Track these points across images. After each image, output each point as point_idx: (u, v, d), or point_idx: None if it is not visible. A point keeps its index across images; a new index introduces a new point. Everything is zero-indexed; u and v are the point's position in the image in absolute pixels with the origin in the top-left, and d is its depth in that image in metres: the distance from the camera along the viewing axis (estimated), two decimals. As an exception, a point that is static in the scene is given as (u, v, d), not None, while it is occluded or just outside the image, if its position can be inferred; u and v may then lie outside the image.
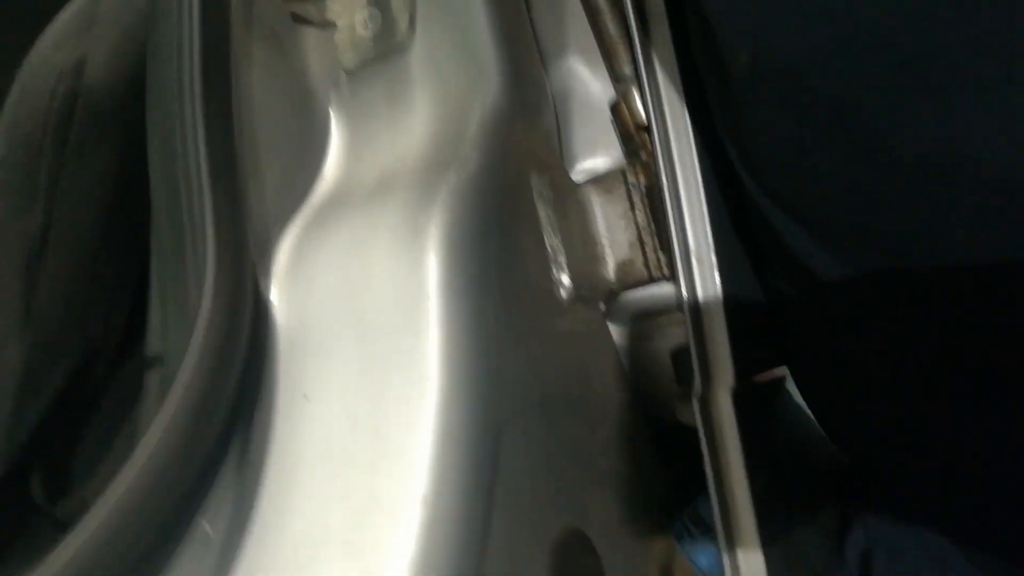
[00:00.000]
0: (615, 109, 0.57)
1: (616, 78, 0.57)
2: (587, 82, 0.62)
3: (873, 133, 0.33)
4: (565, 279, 0.51)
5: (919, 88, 0.31)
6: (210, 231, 0.42)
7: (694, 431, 0.57)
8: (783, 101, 0.37)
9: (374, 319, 0.42)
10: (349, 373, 0.41)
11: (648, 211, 0.55)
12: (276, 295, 0.46)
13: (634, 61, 0.53)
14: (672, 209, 0.50)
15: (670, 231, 0.50)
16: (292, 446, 0.41)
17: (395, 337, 0.41)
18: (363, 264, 0.45)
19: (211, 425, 0.39)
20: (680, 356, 0.56)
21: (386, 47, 0.55)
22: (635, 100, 0.54)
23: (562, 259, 0.51)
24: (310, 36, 0.59)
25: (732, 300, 0.50)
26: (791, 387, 0.58)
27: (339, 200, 0.51)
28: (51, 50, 0.57)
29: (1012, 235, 0.31)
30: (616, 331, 0.60)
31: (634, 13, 0.51)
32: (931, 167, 0.32)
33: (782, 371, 0.57)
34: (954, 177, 0.32)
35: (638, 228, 0.55)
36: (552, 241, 0.51)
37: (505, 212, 0.48)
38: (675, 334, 0.59)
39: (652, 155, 0.52)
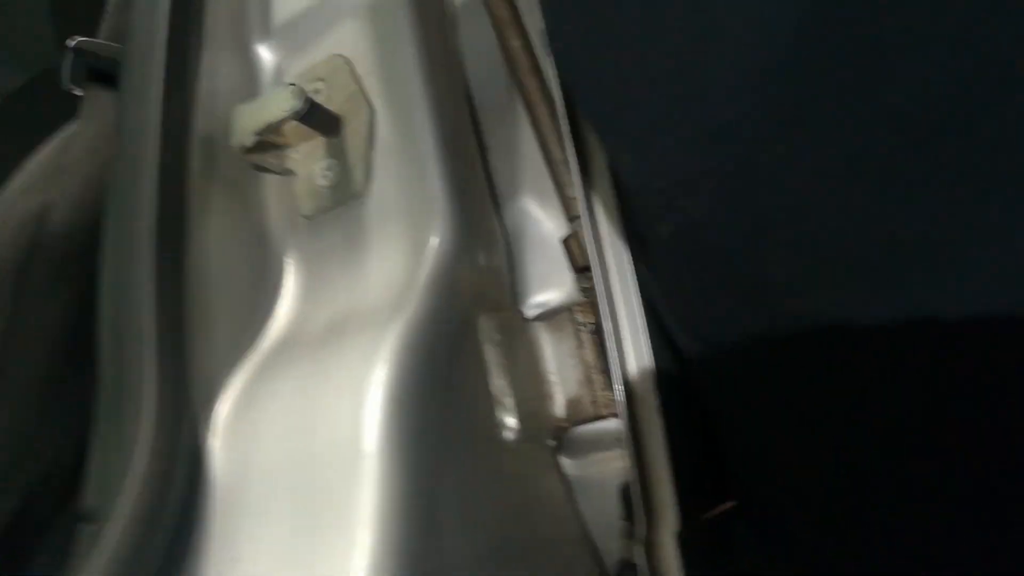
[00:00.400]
0: (567, 244, 0.59)
1: (570, 218, 0.60)
2: (540, 221, 0.64)
3: (779, 307, 0.35)
4: (511, 421, 0.52)
5: (821, 273, 0.33)
6: (149, 388, 0.43)
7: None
8: (701, 272, 0.40)
9: (312, 475, 0.43)
10: (280, 535, 0.41)
11: (594, 350, 0.56)
12: (218, 447, 0.46)
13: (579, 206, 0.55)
14: (614, 349, 0.51)
15: (612, 372, 0.51)
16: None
17: (330, 496, 0.42)
18: (307, 414, 0.46)
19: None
20: (627, 493, 0.56)
21: (342, 196, 0.58)
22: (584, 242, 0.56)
23: (508, 401, 0.52)
24: (270, 183, 0.61)
25: (675, 441, 0.50)
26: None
27: (288, 345, 0.52)
28: (17, 196, 0.60)
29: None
30: (571, 463, 0.61)
31: (575, 166, 0.53)
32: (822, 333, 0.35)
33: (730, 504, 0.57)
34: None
35: (586, 366, 0.56)
36: (498, 383, 0.52)
37: (451, 358, 0.49)
38: (623, 468, 0.59)
39: (594, 297, 0.54)
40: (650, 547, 0.49)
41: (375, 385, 0.45)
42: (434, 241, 0.53)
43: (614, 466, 0.59)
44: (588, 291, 0.59)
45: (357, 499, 0.41)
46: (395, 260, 0.54)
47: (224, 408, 0.48)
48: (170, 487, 0.41)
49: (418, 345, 0.47)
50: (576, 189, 0.53)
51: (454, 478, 0.46)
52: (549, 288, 0.62)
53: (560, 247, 0.63)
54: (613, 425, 0.58)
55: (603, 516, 0.59)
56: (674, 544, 0.49)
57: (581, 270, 0.58)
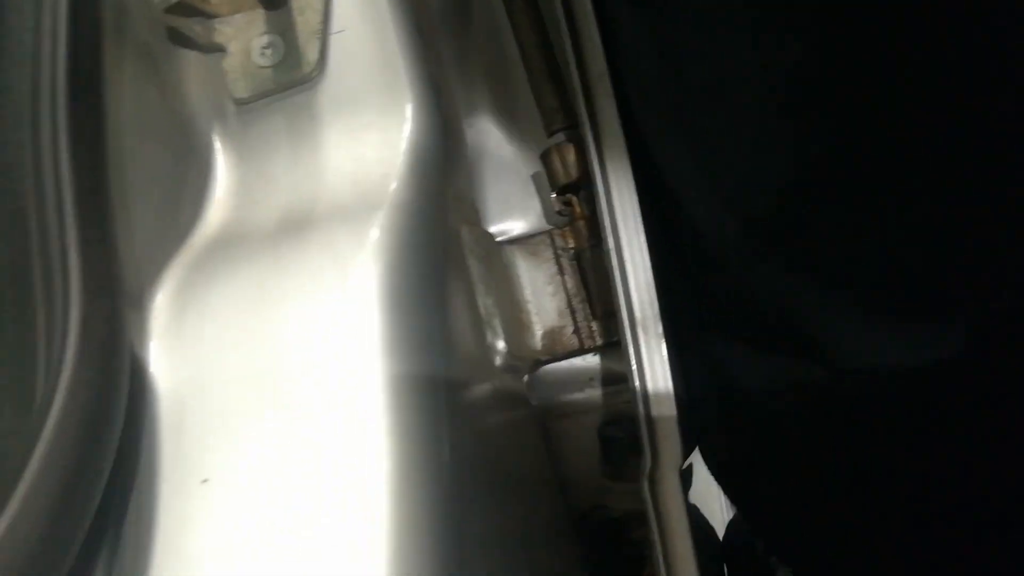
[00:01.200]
0: (547, 159, 0.53)
1: (551, 132, 0.53)
2: (501, 143, 0.58)
3: None
4: (500, 344, 0.45)
5: None
6: (75, 272, 0.32)
7: (611, 522, 0.52)
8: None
9: (296, 387, 0.33)
10: (266, 450, 0.32)
11: (578, 277, 0.50)
12: (155, 356, 0.36)
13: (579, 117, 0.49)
14: (618, 274, 0.45)
15: (617, 298, 0.45)
16: (187, 543, 0.30)
17: (325, 414, 0.33)
18: (276, 315, 0.36)
19: (70, 528, 0.28)
20: (610, 436, 0.51)
21: (288, 79, 0.48)
22: (570, 154, 0.50)
23: (496, 322, 0.45)
24: (191, 59, 0.50)
25: (678, 375, 0.46)
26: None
27: (231, 242, 0.42)
28: None
29: None
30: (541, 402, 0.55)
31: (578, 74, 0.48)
32: None
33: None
34: None
35: (568, 295, 0.50)
36: (486, 302, 0.45)
37: (440, 260, 0.42)
38: (598, 411, 0.54)
39: (592, 220, 0.48)
40: (654, 483, 0.44)
41: (368, 282, 0.36)
42: (410, 134, 0.45)
43: (586, 410, 0.54)
44: (568, 212, 0.53)
45: (366, 412, 0.32)
46: (360, 155, 0.45)
47: (157, 310, 0.38)
48: (110, 397, 0.30)
49: (408, 241, 0.39)
50: (576, 94, 0.47)
51: (459, 396, 0.38)
52: (513, 214, 0.56)
53: (523, 172, 0.57)
54: (584, 362, 0.53)
55: (573, 460, 0.54)
56: (678, 481, 0.44)
57: (563, 189, 0.52)
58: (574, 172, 0.50)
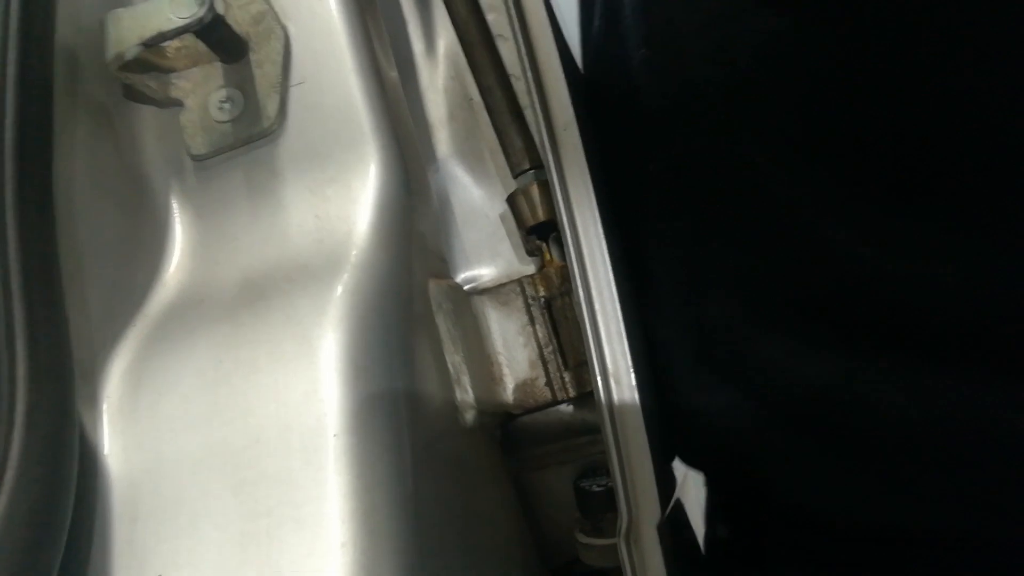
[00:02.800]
0: (513, 201, 0.52)
1: (516, 174, 0.53)
2: (467, 187, 0.57)
3: None
4: (470, 402, 0.44)
5: None
6: (21, 354, 0.30)
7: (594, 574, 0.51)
8: None
9: (257, 462, 0.32)
10: (224, 540, 0.31)
11: (549, 326, 0.50)
12: (108, 437, 0.34)
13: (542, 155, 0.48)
14: (589, 324, 0.45)
15: (588, 350, 0.44)
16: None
17: (289, 488, 0.31)
18: (235, 389, 0.35)
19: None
20: (586, 489, 0.50)
21: (247, 134, 0.47)
22: (536, 195, 0.49)
23: (465, 380, 0.44)
24: (145, 115, 0.49)
25: (652, 424, 0.45)
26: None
27: (189, 310, 0.41)
28: None
29: None
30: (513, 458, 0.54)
31: (543, 117, 0.47)
32: None
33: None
34: None
35: (539, 345, 0.49)
36: (454, 359, 0.44)
37: (407, 323, 0.41)
38: (574, 463, 0.53)
39: (562, 267, 0.48)
40: (631, 541, 0.43)
41: (329, 352, 0.35)
42: (373, 189, 0.44)
43: (562, 462, 0.53)
44: (538, 254, 0.52)
45: (326, 489, 0.31)
46: (323, 209, 0.44)
47: (110, 386, 0.36)
48: (58, 494, 0.29)
49: (372, 305, 0.38)
50: (543, 142, 0.46)
51: (426, 463, 0.37)
52: (483, 262, 0.55)
53: (492, 216, 0.56)
54: (559, 413, 0.52)
55: (549, 513, 0.53)
56: (655, 536, 0.43)
57: (531, 230, 0.51)
58: (541, 214, 0.49)
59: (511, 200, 0.52)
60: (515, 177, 0.53)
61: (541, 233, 0.51)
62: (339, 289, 0.38)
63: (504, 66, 0.53)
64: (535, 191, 0.50)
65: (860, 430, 0.40)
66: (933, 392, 0.36)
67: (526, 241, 0.52)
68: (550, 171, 0.46)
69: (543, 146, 0.46)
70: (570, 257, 0.45)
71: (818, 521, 0.47)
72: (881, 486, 0.41)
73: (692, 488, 0.64)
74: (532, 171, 0.52)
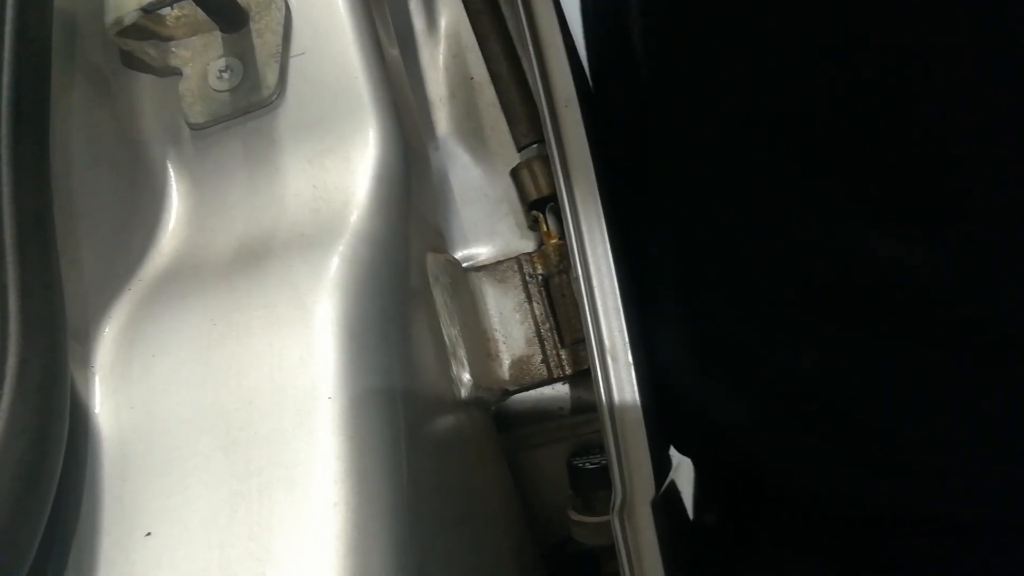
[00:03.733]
0: (517, 174, 0.52)
1: (520, 147, 0.52)
2: (468, 166, 0.57)
3: None
4: (466, 376, 0.44)
5: None
6: (14, 307, 0.30)
7: (586, 552, 0.51)
8: None
9: (251, 423, 0.32)
10: (214, 499, 0.30)
11: (546, 304, 0.49)
12: (100, 396, 0.34)
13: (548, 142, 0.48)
14: (587, 302, 0.44)
15: (586, 326, 0.44)
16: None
17: (281, 448, 0.31)
18: (229, 352, 0.35)
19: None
20: (579, 467, 0.50)
21: (246, 103, 0.46)
22: (541, 169, 0.49)
23: (462, 354, 0.44)
24: (143, 82, 0.49)
25: (648, 404, 0.45)
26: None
27: (185, 274, 0.40)
28: None
29: None
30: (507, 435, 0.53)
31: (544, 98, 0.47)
32: None
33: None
34: None
35: (536, 323, 0.49)
36: (451, 332, 0.44)
37: (404, 292, 0.40)
38: (568, 441, 0.53)
39: (560, 244, 0.47)
40: (624, 518, 0.43)
41: (325, 317, 0.35)
42: (372, 160, 0.44)
43: (555, 440, 0.53)
44: (537, 228, 0.52)
45: (318, 450, 0.31)
46: (321, 182, 0.44)
47: (103, 348, 0.36)
48: (48, 446, 0.28)
49: (369, 272, 0.38)
50: (543, 109, 0.46)
51: (421, 432, 0.37)
52: (480, 240, 0.55)
53: (490, 195, 0.56)
54: (554, 391, 0.52)
55: (543, 491, 0.53)
56: (649, 514, 0.43)
57: (533, 204, 0.51)
58: (544, 187, 0.49)
59: (514, 173, 0.52)
60: (519, 150, 0.53)
61: (543, 206, 0.51)
62: (336, 256, 0.38)
63: (511, 36, 0.53)
64: (538, 165, 0.50)
65: (849, 416, 0.40)
66: (916, 376, 0.36)
67: (528, 215, 0.52)
68: (551, 147, 0.46)
69: (544, 122, 0.46)
70: (569, 234, 0.45)
71: (808, 505, 0.47)
72: (870, 470, 0.41)
73: (685, 474, 0.64)
74: (536, 145, 0.51)
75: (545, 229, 0.51)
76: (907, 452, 0.39)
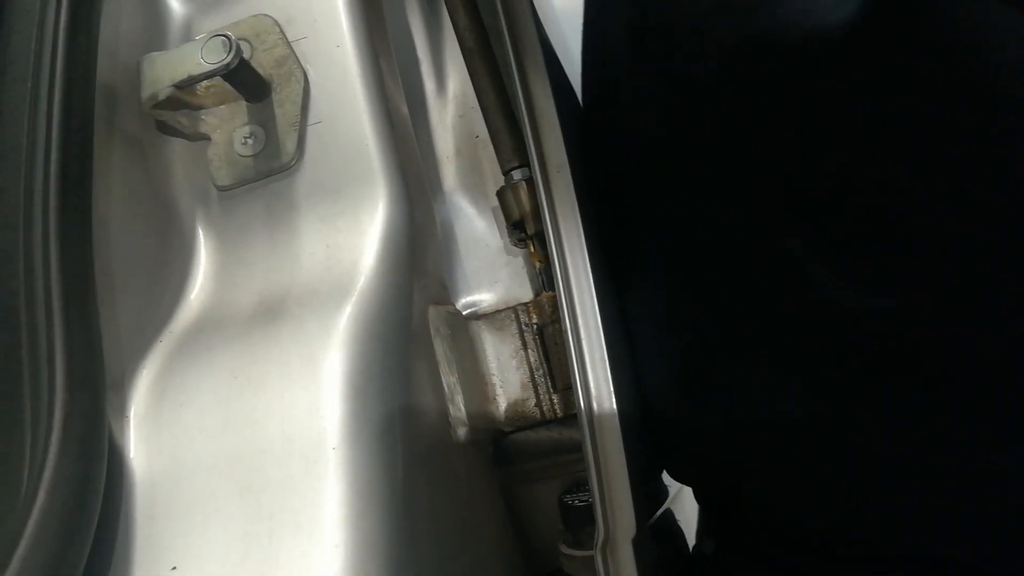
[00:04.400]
0: (501, 195, 0.56)
1: (505, 171, 0.57)
2: (471, 218, 0.61)
3: None
4: (462, 420, 0.48)
5: None
6: (60, 367, 0.34)
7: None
8: None
9: (263, 470, 0.36)
10: (230, 538, 0.35)
11: (541, 351, 0.53)
12: (134, 442, 0.38)
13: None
14: (574, 352, 0.48)
15: (572, 371, 0.48)
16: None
17: (290, 494, 0.35)
18: (244, 404, 0.39)
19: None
20: (569, 503, 0.53)
21: (268, 168, 0.51)
22: (522, 192, 0.54)
23: (459, 399, 0.48)
24: (176, 147, 0.54)
25: (631, 445, 0.49)
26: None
27: (209, 329, 0.45)
28: None
29: None
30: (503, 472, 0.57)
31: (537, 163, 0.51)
32: None
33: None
34: None
35: (531, 368, 0.53)
36: (449, 380, 0.48)
37: (406, 346, 0.45)
38: (561, 478, 0.56)
39: (553, 296, 0.51)
40: (606, 555, 0.47)
41: (333, 371, 0.39)
42: (380, 222, 0.48)
43: (549, 476, 0.57)
44: (522, 246, 0.56)
45: (323, 496, 0.35)
46: (334, 242, 0.49)
47: (137, 396, 0.40)
48: (88, 491, 0.33)
49: (374, 330, 0.42)
50: (536, 176, 0.50)
51: (419, 475, 0.41)
52: (482, 288, 0.59)
53: (492, 246, 0.60)
54: (548, 431, 0.55)
55: (535, 526, 0.56)
56: (631, 551, 0.47)
57: (516, 224, 0.55)
58: (527, 207, 0.53)
59: (500, 195, 0.56)
60: (504, 174, 0.57)
61: (524, 229, 0.55)
62: (344, 314, 0.42)
63: (500, 72, 0.57)
64: (522, 188, 0.54)
65: (828, 454, 0.43)
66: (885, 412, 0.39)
67: (512, 233, 0.56)
68: (544, 215, 0.50)
69: (538, 189, 0.50)
70: (559, 289, 0.49)
71: (792, 539, 0.50)
72: (852, 503, 0.44)
73: (687, 500, 0.67)
74: (520, 168, 0.56)
75: (531, 250, 0.55)
76: (879, 485, 0.42)
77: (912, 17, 0.32)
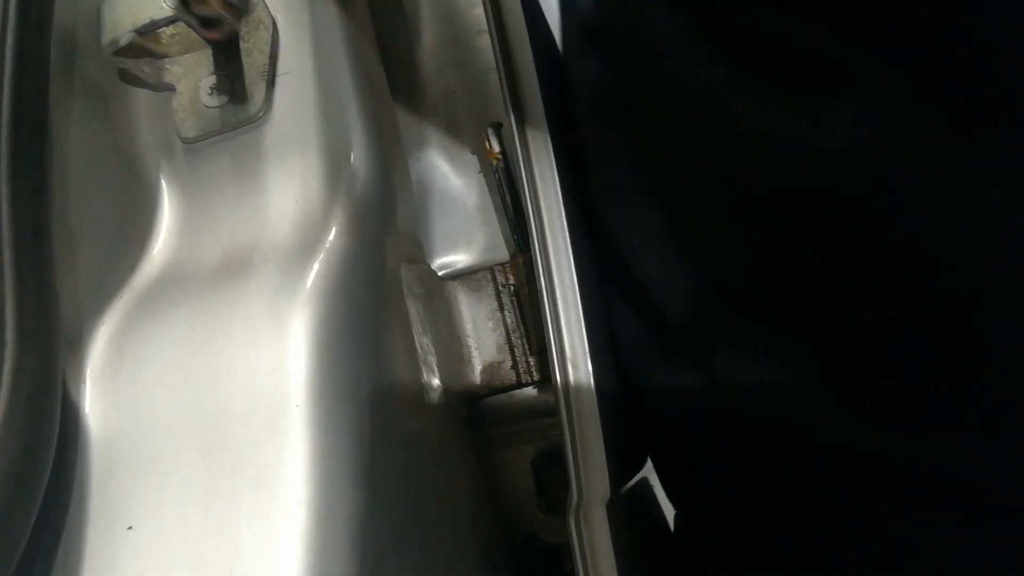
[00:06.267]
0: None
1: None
2: (447, 177, 0.59)
3: None
4: (435, 382, 0.47)
5: None
6: (11, 319, 0.33)
7: (550, 549, 0.53)
8: None
9: (226, 427, 0.35)
10: (190, 497, 0.33)
11: (517, 312, 0.52)
12: (89, 397, 0.37)
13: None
14: (549, 310, 0.47)
15: (547, 334, 0.47)
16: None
17: (252, 451, 0.34)
18: (206, 361, 0.38)
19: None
20: (543, 468, 0.53)
21: (234, 120, 0.49)
22: (493, 139, 0.52)
23: (432, 360, 0.47)
24: (140, 97, 0.51)
25: (606, 409, 0.48)
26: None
27: (172, 284, 0.43)
28: None
29: None
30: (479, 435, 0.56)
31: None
32: None
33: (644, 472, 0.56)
34: None
35: (507, 330, 0.52)
36: (422, 341, 0.47)
37: (376, 304, 0.43)
38: (536, 443, 0.56)
39: (528, 258, 0.50)
40: (579, 519, 0.46)
41: (298, 328, 0.38)
42: (351, 178, 0.47)
43: (524, 441, 0.56)
44: (516, 244, 0.55)
45: (286, 454, 0.34)
46: (302, 197, 0.47)
47: (95, 352, 0.39)
48: (38, 451, 0.31)
49: (342, 287, 0.41)
50: (513, 134, 0.49)
51: (387, 437, 0.40)
52: (458, 249, 0.58)
53: (468, 205, 0.59)
54: (523, 395, 0.55)
55: (510, 490, 0.56)
56: (604, 515, 0.46)
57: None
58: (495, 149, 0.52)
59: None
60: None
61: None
62: (312, 270, 0.41)
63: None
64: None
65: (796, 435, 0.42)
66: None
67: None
68: (519, 167, 0.49)
69: (513, 146, 0.48)
70: (533, 247, 0.48)
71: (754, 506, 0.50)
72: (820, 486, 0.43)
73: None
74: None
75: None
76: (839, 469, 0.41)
77: None
